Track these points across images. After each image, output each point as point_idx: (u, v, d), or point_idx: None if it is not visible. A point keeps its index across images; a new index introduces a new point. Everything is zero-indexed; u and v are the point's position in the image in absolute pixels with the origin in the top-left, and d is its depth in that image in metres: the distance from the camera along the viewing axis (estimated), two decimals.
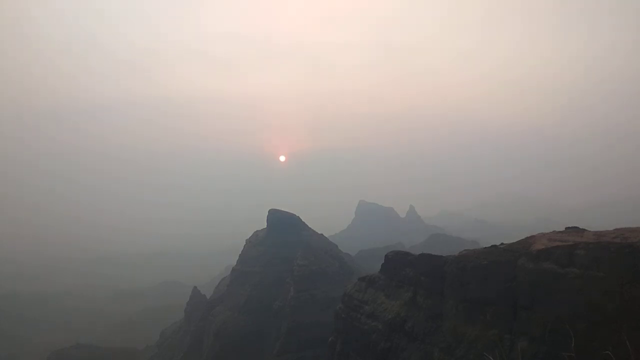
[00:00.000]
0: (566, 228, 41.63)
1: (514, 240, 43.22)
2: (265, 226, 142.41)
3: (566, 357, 29.76)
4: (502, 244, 45.02)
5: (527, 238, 41.97)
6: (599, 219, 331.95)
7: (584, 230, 40.04)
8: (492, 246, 45.40)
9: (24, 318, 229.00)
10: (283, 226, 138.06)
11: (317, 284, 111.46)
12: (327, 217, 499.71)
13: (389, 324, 53.19)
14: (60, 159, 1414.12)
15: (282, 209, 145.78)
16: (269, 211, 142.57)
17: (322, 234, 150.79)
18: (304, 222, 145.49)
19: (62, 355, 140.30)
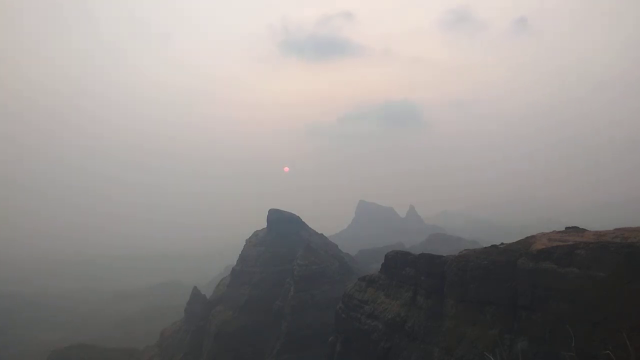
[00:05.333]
0: (566, 228, 41.66)
1: (514, 240, 43.22)
2: (265, 226, 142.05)
3: (566, 357, 29.84)
4: (502, 244, 45.02)
5: (527, 238, 41.98)
6: (599, 219, 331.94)
7: (584, 230, 40.04)
8: (492, 246, 45.37)
9: (24, 318, 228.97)
10: (283, 226, 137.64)
11: (317, 284, 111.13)
12: (327, 217, 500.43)
13: (389, 323, 53.13)
14: (59, 160, 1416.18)
15: (282, 209, 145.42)
16: (269, 211, 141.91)
17: (322, 234, 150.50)
18: (303, 222, 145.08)
19: (62, 355, 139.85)
